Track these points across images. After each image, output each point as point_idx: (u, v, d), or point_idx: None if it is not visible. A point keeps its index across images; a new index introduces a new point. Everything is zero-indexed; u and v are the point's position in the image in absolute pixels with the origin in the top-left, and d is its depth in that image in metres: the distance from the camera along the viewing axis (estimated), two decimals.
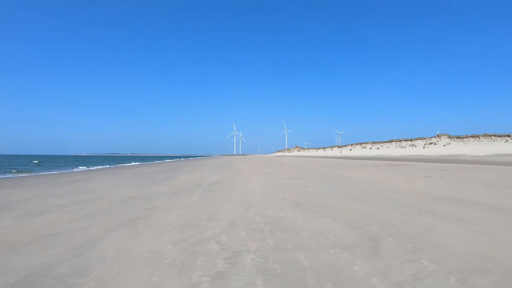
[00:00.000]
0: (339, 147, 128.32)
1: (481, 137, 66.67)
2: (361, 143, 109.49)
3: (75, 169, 33.60)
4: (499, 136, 64.12)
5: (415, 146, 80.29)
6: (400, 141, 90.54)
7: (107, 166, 43.13)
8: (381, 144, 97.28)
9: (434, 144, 75.66)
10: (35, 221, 6.40)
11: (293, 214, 6.11)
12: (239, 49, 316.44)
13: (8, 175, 24.10)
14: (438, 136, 78.48)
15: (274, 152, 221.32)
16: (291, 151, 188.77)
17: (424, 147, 75.66)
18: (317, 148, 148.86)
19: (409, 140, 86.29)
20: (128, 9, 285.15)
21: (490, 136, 66.09)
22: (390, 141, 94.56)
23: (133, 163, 53.13)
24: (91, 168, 37.18)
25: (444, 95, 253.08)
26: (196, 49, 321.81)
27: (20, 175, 24.85)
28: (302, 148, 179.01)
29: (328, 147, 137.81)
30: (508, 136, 62.35)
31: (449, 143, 71.46)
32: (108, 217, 6.51)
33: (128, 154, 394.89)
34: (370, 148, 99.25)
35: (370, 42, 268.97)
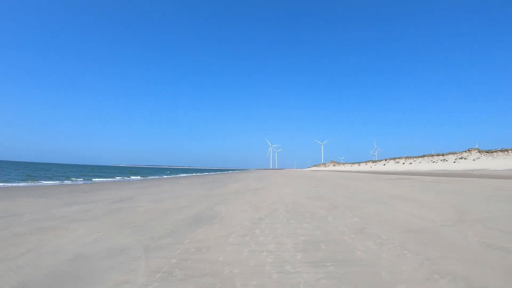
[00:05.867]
0: (374, 162, 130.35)
1: (510, 151, 67.45)
2: (395, 158, 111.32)
3: (134, 178, 40.67)
4: None
5: (446, 160, 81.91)
6: (432, 156, 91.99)
7: (156, 176, 50.13)
8: (414, 159, 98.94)
9: (465, 158, 77.03)
10: (164, 203, 12.15)
11: (305, 201, 11.65)
12: (277, 60, 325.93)
13: (93, 180, 31.14)
14: (468, 150, 79.63)
15: (310, 167, 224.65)
16: (326, 165, 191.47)
17: (454, 162, 77.25)
18: (352, 163, 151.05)
19: (441, 155, 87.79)
20: (169, 22, 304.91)
21: None
22: (423, 156, 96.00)
23: (181, 175, 60.10)
24: (149, 177, 44.29)
25: (485, 108, 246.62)
26: (227, 59, 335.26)
27: (97, 180, 31.91)
28: (337, 163, 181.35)
29: (363, 162, 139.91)
30: None
31: (479, 158, 72.74)
32: (205, 201, 12.26)
33: (165, 166, 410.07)
34: (403, 163, 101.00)
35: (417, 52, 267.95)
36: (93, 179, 35.59)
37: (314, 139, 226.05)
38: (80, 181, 32.07)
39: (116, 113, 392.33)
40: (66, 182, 29.71)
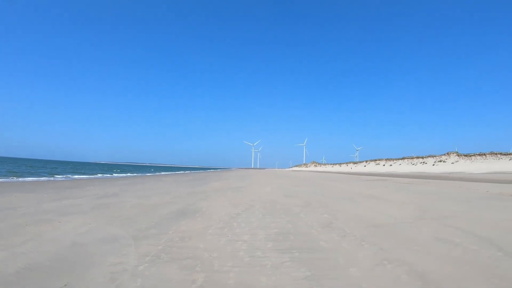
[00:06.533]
0: (355, 163, 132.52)
1: (488, 155, 69.79)
2: (376, 160, 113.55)
3: (116, 175, 40.82)
4: (505, 154, 66.83)
5: (426, 163, 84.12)
6: (412, 158, 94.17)
7: (140, 174, 50.27)
8: (394, 161, 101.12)
9: (444, 162, 79.33)
10: (149, 199, 12.70)
11: (282, 199, 12.44)
12: (260, 61, 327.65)
13: (77, 176, 31.30)
14: (448, 154, 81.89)
15: (291, 167, 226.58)
16: (307, 166, 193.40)
17: (433, 165, 79.44)
18: (333, 164, 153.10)
19: (421, 158, 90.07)
20: (169, 22, 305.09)
21: (496, 154, 69.06)
22: (403, 158, 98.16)
23: (164, 173, 60.30)
24: (132, 174, 44.44)
25: (464, 112, 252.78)
26: (212, 58, 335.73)
27: (78, 176, 32.07)
28: (318, 164, 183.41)
29: (344, 163, 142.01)
30: None
31: (457, 161, 75.02)
32: (189, 198, 12.89)
33: (147, 164, 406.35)
34: (384, 165, 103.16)
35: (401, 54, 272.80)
36: (77, 176, 35.61)
37: (295, 144, 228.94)
38: (63, 177, 32.13)
39: (116, 113, 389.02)
40: (50, 178, 29.79)
